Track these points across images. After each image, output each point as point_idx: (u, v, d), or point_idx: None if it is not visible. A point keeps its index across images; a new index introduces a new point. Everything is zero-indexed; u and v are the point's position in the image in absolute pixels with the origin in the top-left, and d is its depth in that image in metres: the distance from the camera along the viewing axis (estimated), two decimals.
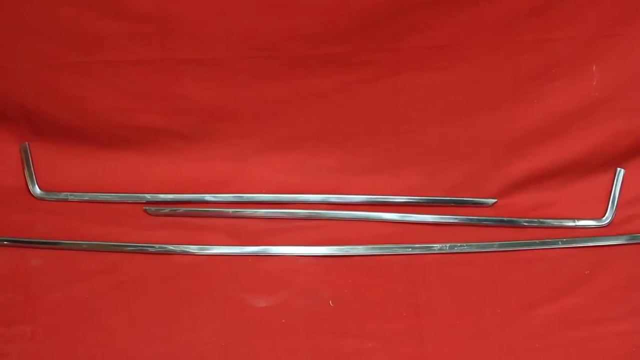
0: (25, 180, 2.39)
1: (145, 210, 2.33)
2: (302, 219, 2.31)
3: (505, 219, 2.30)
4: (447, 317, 2.04)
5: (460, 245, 2.21)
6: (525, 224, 2.29)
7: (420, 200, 2.33)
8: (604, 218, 2.29)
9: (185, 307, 2.07)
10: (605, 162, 2.31)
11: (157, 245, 2.22)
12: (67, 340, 2.00)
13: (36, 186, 2.37)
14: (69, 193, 2.37)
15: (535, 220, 2.29)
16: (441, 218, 2.30)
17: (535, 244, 2.22)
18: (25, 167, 2.38)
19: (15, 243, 2.24)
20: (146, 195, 2.36)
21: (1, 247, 2.24)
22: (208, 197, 2.35)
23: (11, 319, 2.04)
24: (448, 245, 2.21)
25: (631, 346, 1.95)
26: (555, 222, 2.29)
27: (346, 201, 2.34)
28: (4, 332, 2.01)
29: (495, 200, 2.33)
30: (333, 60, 2.18)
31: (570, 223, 2.29)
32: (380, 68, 2.19)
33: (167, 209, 2.33)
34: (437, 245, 2.20)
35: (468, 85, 2.23)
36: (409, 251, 2.20)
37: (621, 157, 2.30)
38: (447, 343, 1.98)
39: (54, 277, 2.16)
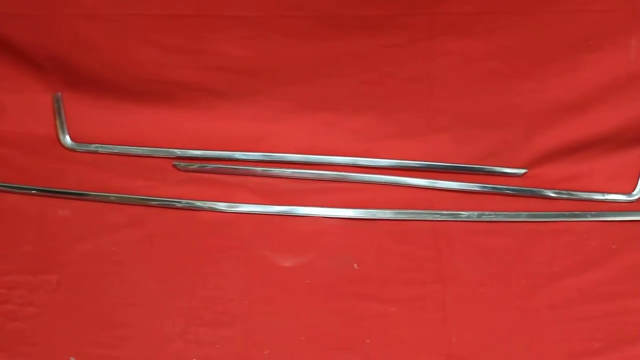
0: (57, 130, 2.40)
1: (174, 166, 2.33)
2: (331, 181, 2.31)
3: (534, 189, 2.28)
4: (471, 285, 2.04)
5: (488, 214, 2.20)
6: (553, 195, 2.27)
7: (449, 167, 2.32)
8: (634, 193, 2.28)
9: (210, 263, 2.08)
10: (637, 137, 2.29)
11: (184, 201, 2.22)
12: (91, 292, 2.02)
13: (67, 137, 2.38)
14: (99, 145, 2.38)
15: (564, 192, 2.28)
16: (470, 186, 2.29)
17: (564, 216, 2.21)
18: (57, 118, 2.39)
19: (44, 192, 2.25)
20: (176, 150, 2.36)
21: (30, 196, 2.25)
22: (237, 154, 2.35)
23: (37, 268, 2.07)
24: (476, 213, 2.20)
25: None
26: (584, 195, 2.28)
27: (375, 165, 2.34)
28: (30, 280, 2.04)
29: (525, 170, 2.31)
30: (368, 22, 2.15)
31: (599, 197, 2.28)
32: (415, 32, 2.17)
33: (196, 165, 2.33)
34: (464, 213, 2.20)
35: (503, 53, 2.20)
36: (436, 218, 2.20)
37: None
38: (469, 311, 1.98)
39: (81, 228, 2.18)
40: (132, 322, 1.95)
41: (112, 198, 2.23)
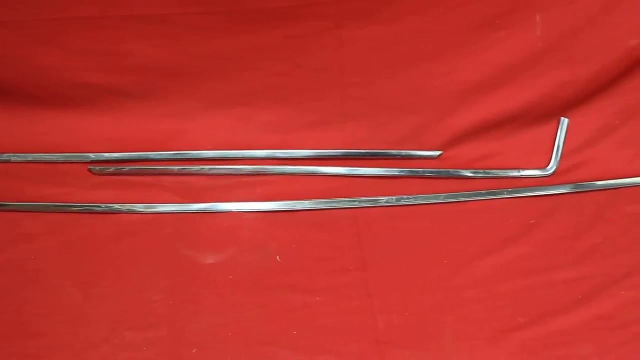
0: None
1: (89, 170, 2.30)
2: (248, 175, 2.31)
3: (450, 170, 2.31)
4: (394, 270, 2.05)
5: (407, 198, 2.22)
6: (470, 175, 2.30)
7: (366, 154, 2.34)
8: (549, 167, 2.31)
9: (132, 266, 2.06)
10: (549, 112, 2.33)
11: (103, 205, 2.20)
12: (12, 303, 1.98)
13: None
14: (11, 154, 2.33)
15: (481, 171, 2.31)
16: (387, 171, 2.31)
17: (481, 194, 2.24)
18: None
19: None
20: (90, 154, 2.32)
21: None
22: (153, 155, 2.33)
23: None
24: (394, 198, 2.22)
25: (577, 294, 1.99)
26: (501, 173, 2.31)
27: (292, 156, 2.34)
28: None
29: (441, 152, 2.34)
30: (275, 14, 2.15)
31: (515, 173, 2.31)
32: (322, 21, 2.18)
33: (112, 168, 2.31)
34: (383, 199, 2.21)
35: (412, 37, 2.22)
36: (356, 205, 2.21)
37: (565, 107, 2.32)
38: (395, 295, 1.99)
39: None
40: (56, 331, 1.92)
41: (28, 207, 2.19)
